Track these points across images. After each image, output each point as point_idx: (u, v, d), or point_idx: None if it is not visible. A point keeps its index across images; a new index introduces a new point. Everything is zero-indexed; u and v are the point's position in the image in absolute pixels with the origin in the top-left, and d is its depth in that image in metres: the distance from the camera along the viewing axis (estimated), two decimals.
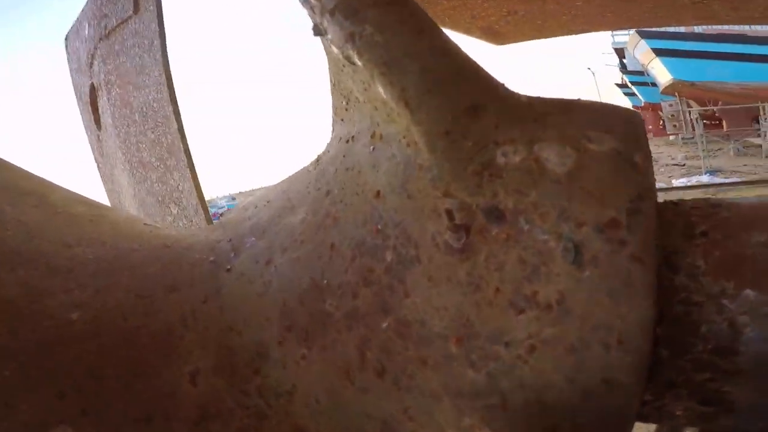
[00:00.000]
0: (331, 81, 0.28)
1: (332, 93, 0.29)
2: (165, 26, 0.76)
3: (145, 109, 0.82)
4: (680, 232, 0.20)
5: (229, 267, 0.24)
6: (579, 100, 0.21)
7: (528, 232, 0.18)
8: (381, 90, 0.20)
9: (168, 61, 0.76)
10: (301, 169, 0.30)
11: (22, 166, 0.32)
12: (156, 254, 0.27)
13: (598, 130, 0.19)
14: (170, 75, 0.76)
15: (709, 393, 0.18)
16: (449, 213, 0.19)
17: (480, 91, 0.21)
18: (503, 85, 0.21)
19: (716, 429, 0.20)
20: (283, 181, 0.31)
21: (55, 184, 0.33)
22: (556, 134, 0.19)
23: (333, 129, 0.29)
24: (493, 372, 0.17)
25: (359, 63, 0.20)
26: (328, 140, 0.29)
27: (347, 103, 0.27)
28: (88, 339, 0.21)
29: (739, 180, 8.04)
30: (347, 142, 0.25)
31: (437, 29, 0.21)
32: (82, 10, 0.93)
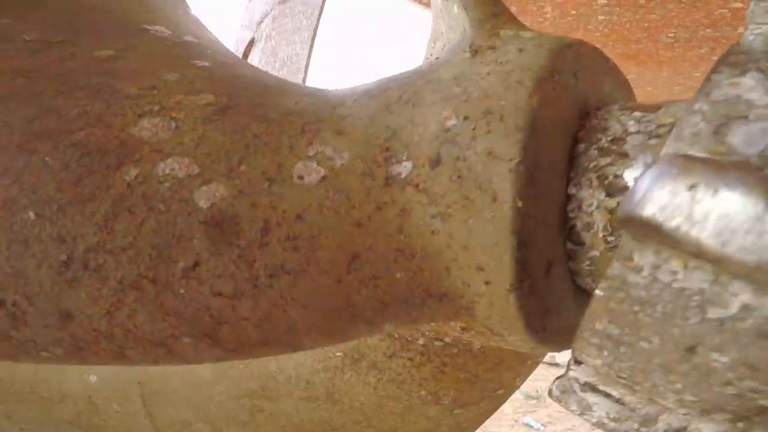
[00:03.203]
0: (432, 33, 0.35)
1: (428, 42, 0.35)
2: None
3: (286, 60, 1.06)
4: None
5: None
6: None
7: None
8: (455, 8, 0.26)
9: (318, 27, 0.98)
10: None
11: None
12: None
13: None
14: (315, 37, 0.98)
15: (610, 177, 0.20)
16: None
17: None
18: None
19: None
20: None
21: None
22: None
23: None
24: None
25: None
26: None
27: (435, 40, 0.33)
28: None
29: None
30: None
31: None
32: None
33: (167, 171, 0.17)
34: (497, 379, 0.39)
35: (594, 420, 0.19)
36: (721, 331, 0.14)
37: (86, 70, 0.21)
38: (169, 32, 0.28)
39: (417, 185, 0.19)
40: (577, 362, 0.19)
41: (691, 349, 0.15)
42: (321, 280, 0.18)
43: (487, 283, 0.18)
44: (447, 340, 0.31)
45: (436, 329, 0.28)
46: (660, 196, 0.14)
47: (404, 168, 0.19)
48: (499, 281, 0.18)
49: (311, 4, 0.97)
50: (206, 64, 0.25)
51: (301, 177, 0.19)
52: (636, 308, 0.15)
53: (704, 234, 0.13)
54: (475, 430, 0.47)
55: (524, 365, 0.39)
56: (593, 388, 0.18)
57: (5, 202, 0.16)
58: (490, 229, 0.17)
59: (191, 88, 0.22)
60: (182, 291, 0.16)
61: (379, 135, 0.21)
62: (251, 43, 1.27)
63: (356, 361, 0.36)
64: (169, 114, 0.19)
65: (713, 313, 0.14)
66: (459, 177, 0.18)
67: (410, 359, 0.34)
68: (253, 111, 0.21)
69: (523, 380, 0.46)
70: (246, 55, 1.36)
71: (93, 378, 0.43)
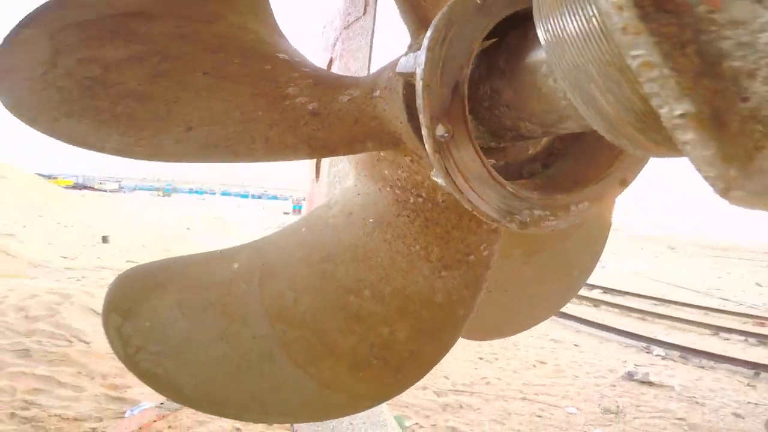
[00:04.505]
0: None
1: None
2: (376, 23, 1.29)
3: (355, 72, 1.28)
4: None
5: None
6: None
7: None
8: None
9: (372, 44, 1.27)
10: None
11: None
12: None
13: None
14: (371, 53, 1.28)
15: None
16: None
17: None
18: None
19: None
20: None
21: None
22: None
23: None
24: None
25: None
26: None
27: None
28: None
29: None
30: None
31: None
32: (336, 8, 1.57)
33: (298, 100, 0.55)
34: (465, 240, 0.64)
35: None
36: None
37: (262, 73, 0.59)
38: (287, 57, 0.66)
39: (381, 97, 0.54)
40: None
41: None
42: (342, 127, 0.53)
43: (400, 123, 0.51)
44: (423, 195, 0.60)
45: (413, 182, 0.59)
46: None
47: (377, 93, 0.54)
48: (402, 119, 0.51)
49: (366, 27, 1.33)
50: (308, 70, 0.62)
51: (341, 99, 0.55)
52: None
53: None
54: (466, 307, 0.66)
55: (481, 229, 0.64)
56: None
57: (238, 104, 0.54)
58: (397, 104, 0.51)
59: (303, 77, 0.59)
60: (292, 124, 0.53)
61: (372, 85, 0.56)
62: (331, 62, 1.66)
63: (380, 224, 0.64)
64: (297, 86, 0.57)
65: None
66: (390, 90, 0.52)
67: (407, 216, 0.63)
68: (329, 84, 0.58)
69: (490, 252, 0.65)
70: (328, 69, 1.77)
71: (235, 265, 0.68)
